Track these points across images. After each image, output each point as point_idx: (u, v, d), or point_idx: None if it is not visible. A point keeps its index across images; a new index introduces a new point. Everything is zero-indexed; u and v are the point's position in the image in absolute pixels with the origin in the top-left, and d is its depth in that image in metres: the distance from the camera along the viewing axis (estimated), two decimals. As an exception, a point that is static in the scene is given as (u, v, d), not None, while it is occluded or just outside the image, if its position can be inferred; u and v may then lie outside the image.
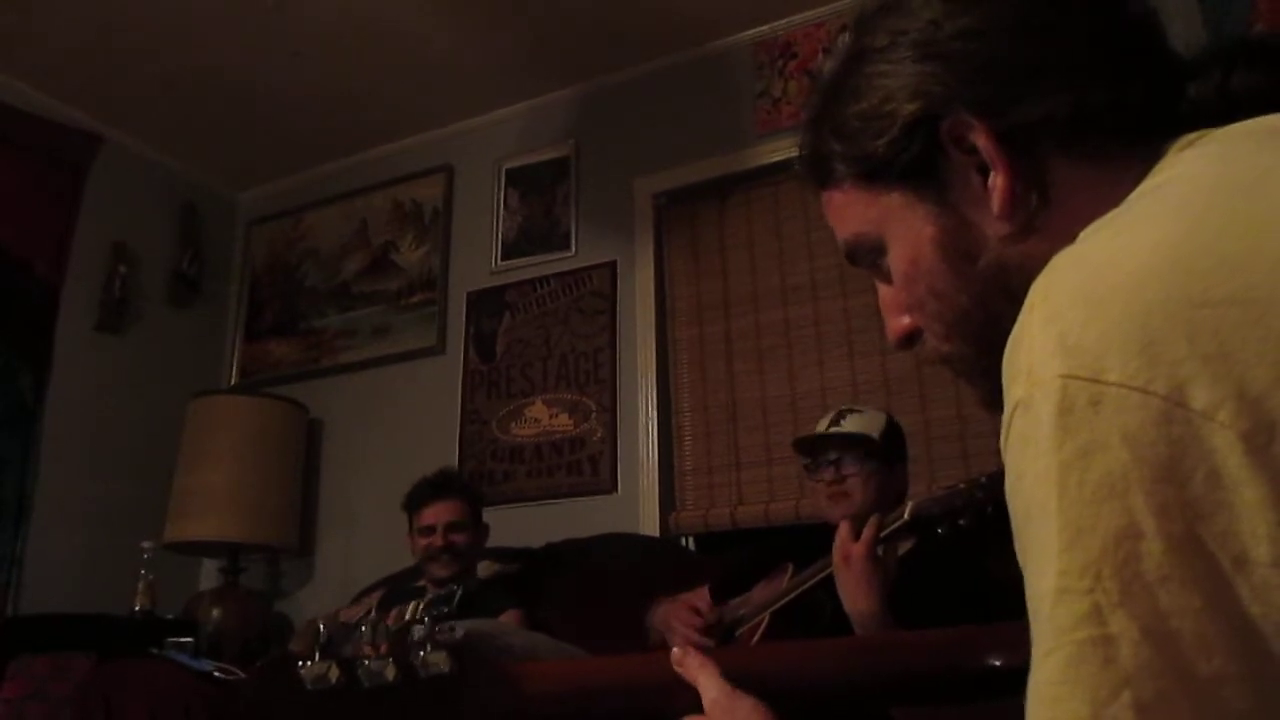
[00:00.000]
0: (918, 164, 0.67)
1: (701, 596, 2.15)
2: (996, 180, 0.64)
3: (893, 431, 2.09)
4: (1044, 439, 0.47)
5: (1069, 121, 0.63)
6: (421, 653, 0.66)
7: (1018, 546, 0.51)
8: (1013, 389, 0.51)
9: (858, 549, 1.75)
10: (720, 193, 3.36)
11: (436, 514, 2.69)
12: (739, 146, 3.32)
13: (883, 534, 1.79)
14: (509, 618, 2.61)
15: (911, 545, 2.01)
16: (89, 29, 3.31)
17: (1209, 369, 0.45)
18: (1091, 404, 0.46)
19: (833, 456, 2.02)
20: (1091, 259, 0.52)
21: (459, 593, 2.59)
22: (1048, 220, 0.64)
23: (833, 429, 2.05)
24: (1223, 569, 0.43)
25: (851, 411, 2.09)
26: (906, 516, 1.75)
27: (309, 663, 0.66)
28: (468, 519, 2.73)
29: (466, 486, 2.85)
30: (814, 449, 2.07)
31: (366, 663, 0.66)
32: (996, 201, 0.64)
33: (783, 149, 3.21)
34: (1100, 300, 0.48)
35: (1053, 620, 0.46)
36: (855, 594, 1.74)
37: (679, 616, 2.10)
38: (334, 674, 0.65)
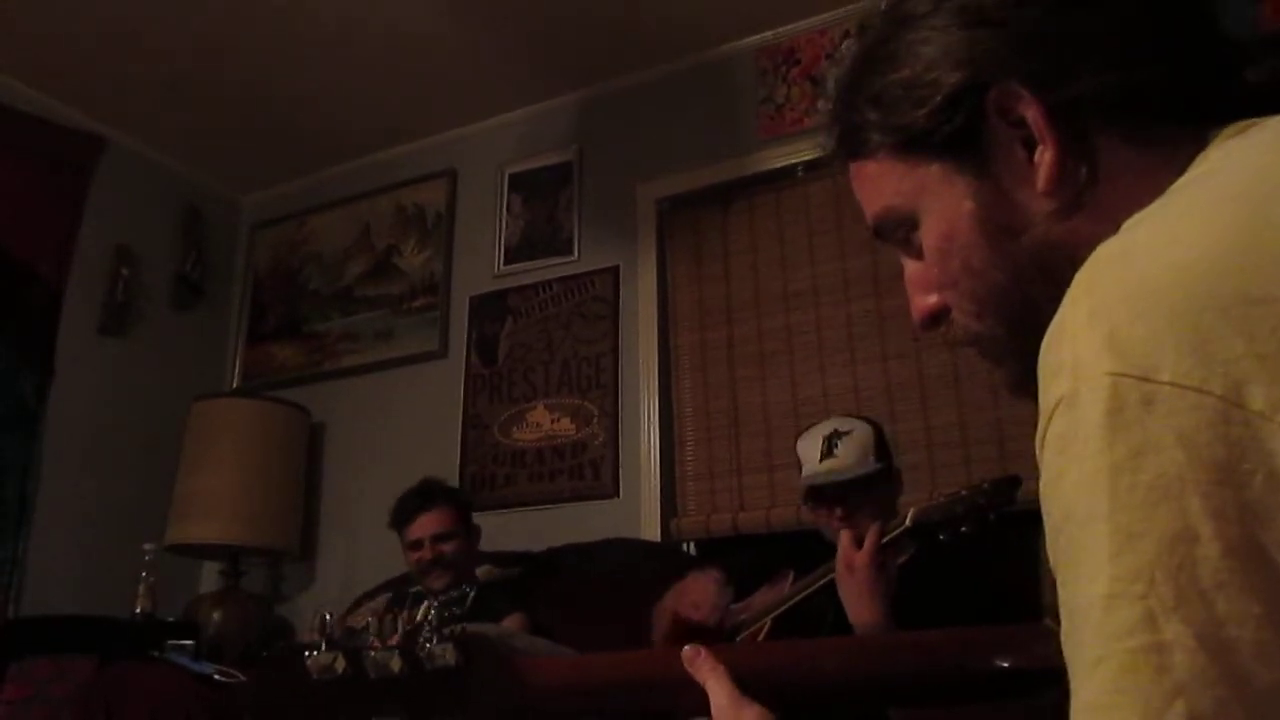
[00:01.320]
0: (959, 135, 0.65)
1: (713, 576, 2.12)
2: (1045, 155, 0.62)
3: (881, 444, 2.07)
4: (1092, 439, 0.46)
5: (1119, 100, 0.61)
6: (428, 645, 0.66)
7: (1052, 548, 0.49)
8: (1055, 384, 0.49)
9: (861, 558, 1.74)
10: (723, 198, 3.37)
11: (422, 527, 2.67)
12: (742, 152, 3.33)
13: (884, 540, 1.79)
14: (511, 622, 2.60)
15: (913, 552, 2.00)
16: (94, 32, 3.32)
17: (1267, 368, 0.43)
18: (1144, 403, 0.44)
19: (839, 513, 1.99)
20: (1139, 252, 0.50)
21: (471, 594, 2.58)
22: (1093, 200, 0.62)
23: (826, 461, 2.01)
24: None
25: (839, 436, 2.05)
26: (908, 523, 1.74)
27: (315, 653, 0.65)
28: (455, 527, 2.71)
29: (449, 493, 2.81)
30: (818, 498, 2.04)
31: (373, 654, 0.66)
32: (1043, 177, 0.62)
33: (786, 155, 3.21)
34: (1149, 296, 0.46)
35: (1103, 627, 0.44)
36: (859, 603, 1.74)
37: (696, 595, 2.07)
38: (340, 665, 0.65)
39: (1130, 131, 0.62)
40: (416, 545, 2.67)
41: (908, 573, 1.98)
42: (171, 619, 3.21)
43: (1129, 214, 0.55)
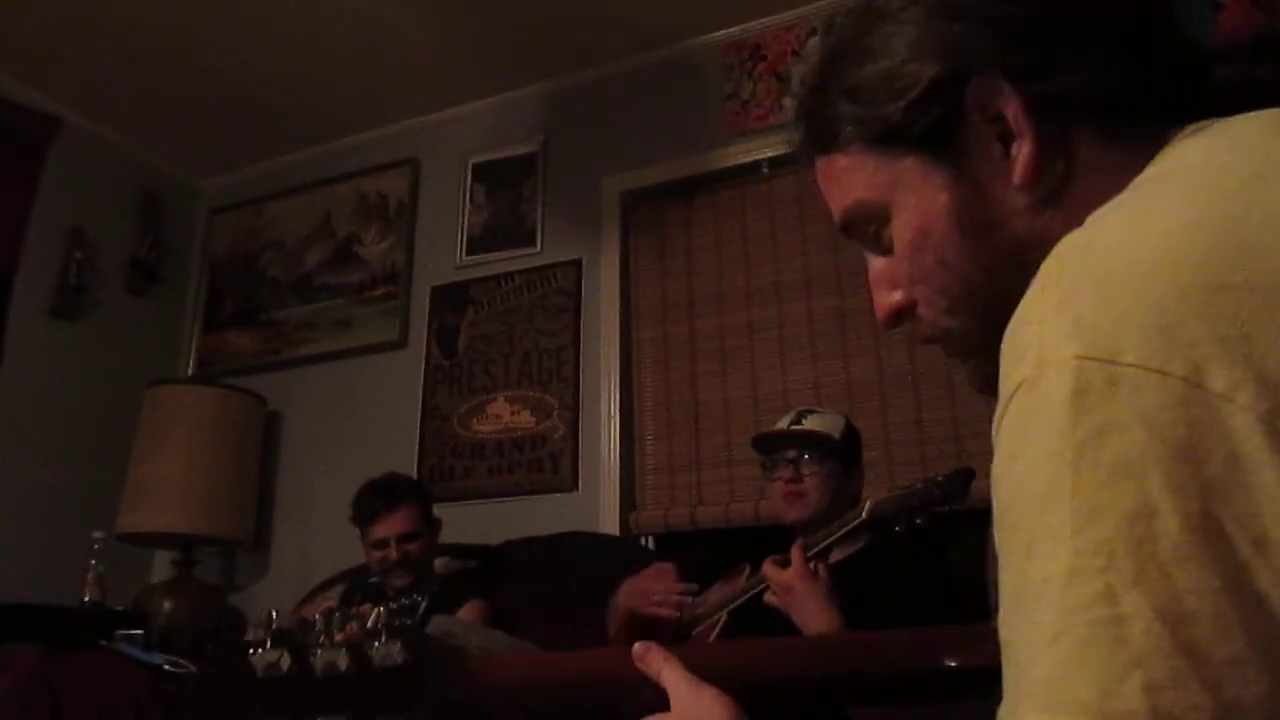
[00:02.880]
0: (937, 128, 0.65)
1: (667, 571, 2.13)
2: (1022, 149, 0.63)
3: (851, 434, 2.11)
4: (1054, 420, 0.47)
5: (1095, 96, 0.62)
6: (376, 642, 0.65)
7: (998, 528, 0.50)
8: (1016, 368, 0.49)
9: (792, 577, 1.77)
10: (687, 193, 3.37)
11: (387, 528, 2.62)
12: (707, 147, 3.33)
13: (843, 532, 1.81)
14: (471, 609, 2.59)
15: (861, 547, 2.03)
16: (51, 10, 3.24)
17: (1228, 351, 0.44)
18: (1108, 385, 0.45)
19: (791, 455, 2.03)
20: (1104, 242, 0.51)
21: (423, 605, 2.55)
22: (1068, 195, 0.62)
23: (793, 427, 2.06)
24: (1241, 551, 0.43)
25: (812, 412, 2.11)
26: (865, 516, 1.77)
27: (260, 650, 0.64)
28: (419, 525, 2.66)
29: (413, 489, 2.75)
30: (773, 446, 2.07)
31: (319, 651, 0.65)
32: (1020, 172, 0.63)
33: (750, 151, 3.22)
34: (1115, 283, 0.48)
35: (1064, 602, 0.45)
36: (807, 618, 1.76)
37: (647, 587, 2.08)
38: (285, 662, 0.64)
39: (1105, 129, 0.63)
40: (381, 544, 2.62)
41: (859, 564, 2.00)
42: (121, 608, 3.16)
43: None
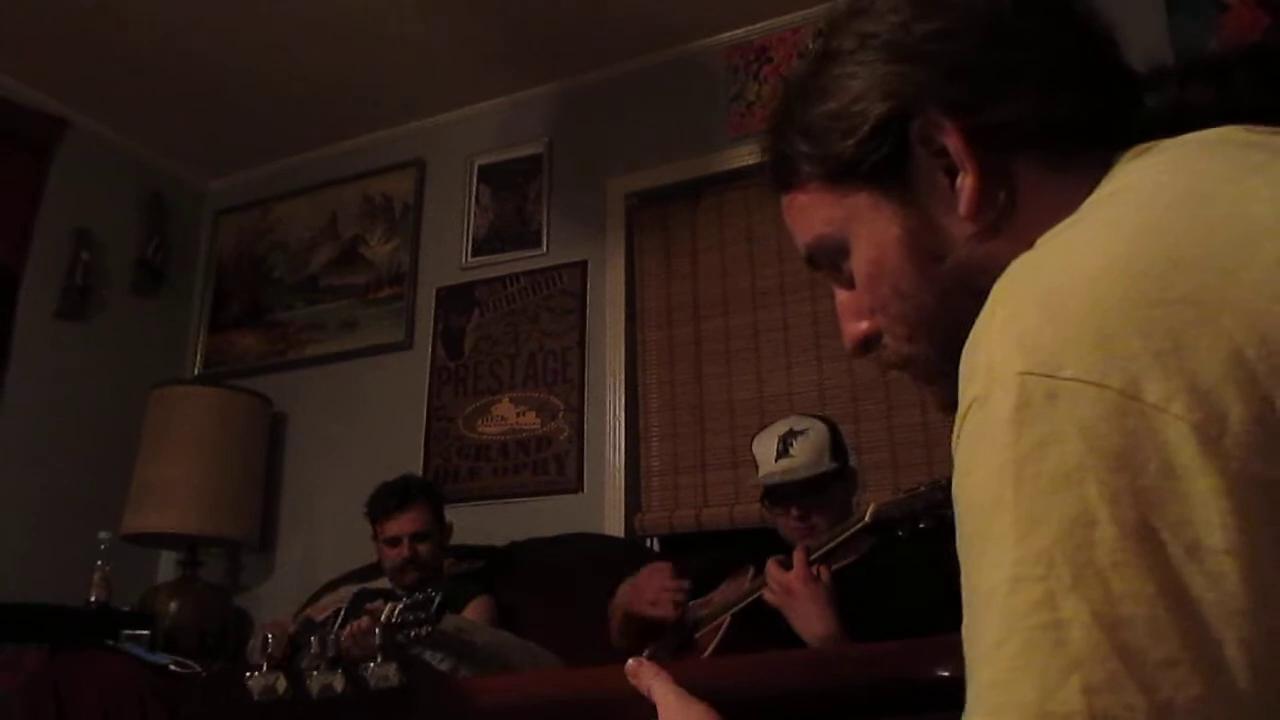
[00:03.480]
0: (886, 164, 0.67)
1: (661, 569, 2.10)
2: (965, 181, 0.65)
3: (836, 442, 2.08)
4: (1000, 434, 0.48)
5: (1036, 127, 0.64)
6: (371, 665, 0.65)
7: (959, 541, 0.51)
8: (970, 386, 0.51)
9: (794, 579, 1.77)
10: (692, 195, 3.37)
11: (401, 526, 2.65)
12: (712, 149, 3.33)
13: (840, 540, 1.81)
14: (477, 605, 2.60)
15: (865, 551, 2.02)
16: (58, 11, 3.25)
17: (1162, 363, 0.45)
18: (1048, 398, 0.47)
19: (793, 499, 2.01)
20: (1050, 262, 0.53)
21: (437, 599, 2.55)
22: (1013, 222, 0.64)
23: (782, 460, 2.02)
24: (1176, 556, 0.44)
25: (794, 435, 2.06)
26: (868, 519, 1.76)
27: (256, 673, 0.64)
28: (431, 526, 2.69)
29: (428, 490, 2.80)
30: (774, 498, 2.06)
31: (315, 674, 0.65)
32: (964, 202, 0.65)
33: (755, 153, 3.18)
34: (1058, 301, 0.49)
35: (1007, 609, 0.46)
36: (804, 622, 1.76)
37: (652, 581, 2.06)
38: (281, 685, 0.63)
39: (1047, 157, 0.65)
40: (394, 542, 2.65)
41: (861, 570, 2.00)
42: (126, 608, 3.17)
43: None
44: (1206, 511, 0.44)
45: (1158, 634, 0.43)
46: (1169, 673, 0.43)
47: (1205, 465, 0.44)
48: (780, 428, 2.09)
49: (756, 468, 2.10)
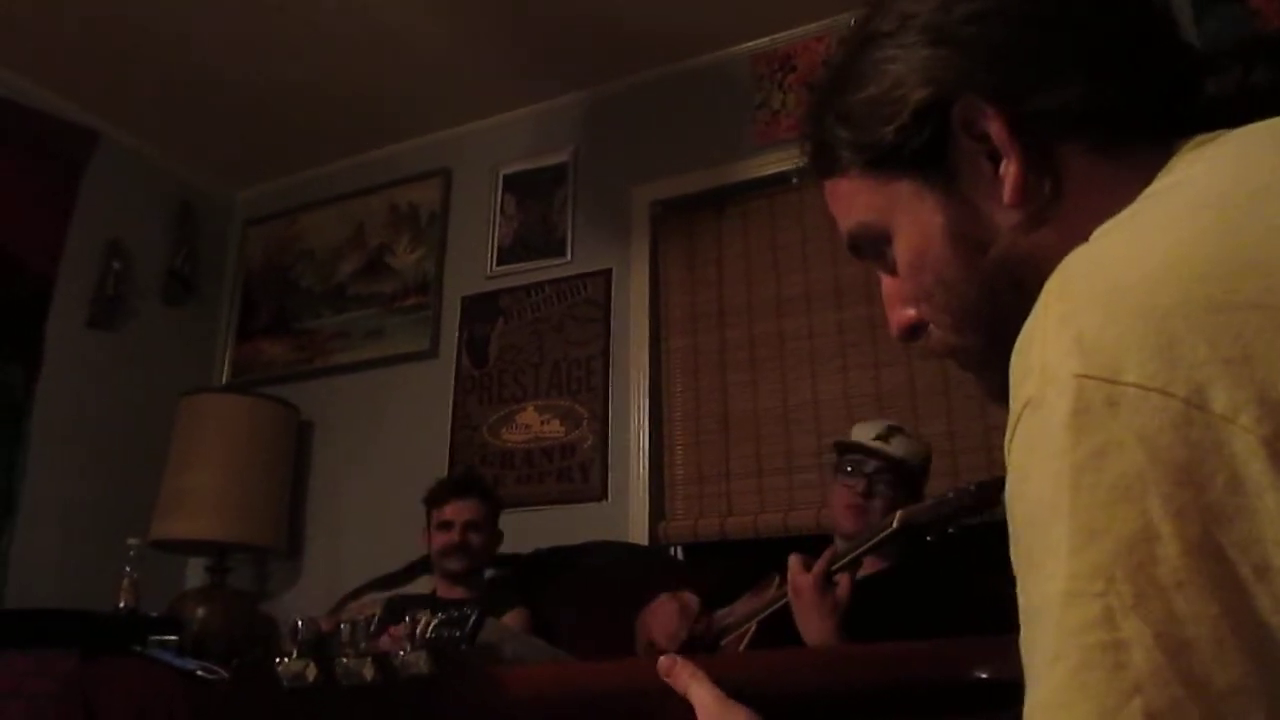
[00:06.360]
0: (927, 151, 0.66)
1: (689, 601, 2.12)
2: (1009, 168, 0.63)
3: (927, 468, 2.12)
4: (1056, 439, 0.46)
5: (1082, 112, 0.62)
6: (401, 653, 0.65)
7: (1014, 550, 0.49)
8: (1023, 387, 0.49)
9: (806, 581, 1.78)
10: (717, 203, 3.37)
11: (457, 511, 2.70)
12: (737, 157, 3.33)
13: (868, 546, 1.80)
14: (515, 616, 2.61)
15: (893, 560, 2.01)
16: (89, 25, 3.30)
17: (1230, 372, 0.43)
18: (1108, 404, 0.45)
19: (870, 469, 2.03)
20: (1108, 259, 0.51)
21: (473, 618, 2.55)
22: (1059, 212, 0.63)
23: (882, 446, 2.05)
24: (1243, 576, 0.42)
25: (902, 433, 2.10)
26: (896, 525, 1.76)
27: (286, 660, 0.65)
28: (485, 521, 2.74)
29: (489, 490, 2.86)
30: (858, 455, 2.07)
31: (345, 661, 0.65)
32: (1008, 190, 0.63)
33: (780, 161, 3.21)
34: (1118, 301, 0.47)
35: (1061, 624, 0.44)
36: (805, 623, 1.78)
37: (660, 624, 2.08)
38: (311, 672, 0.64)
39: (1095, 144, 0.63)
40: (447, 526, 2.69)
41: (889, 577, 1.99)
42: (155, 614, 3.19)
43: (1095, 225, 0.55)
44: (1276, 530, 0.42)
45: (1222, 658, 0.41)
46: (1233, 700, 0.41)
47: (1275, 481, 0.42)
48: (891, 422, 2.15)
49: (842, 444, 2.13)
